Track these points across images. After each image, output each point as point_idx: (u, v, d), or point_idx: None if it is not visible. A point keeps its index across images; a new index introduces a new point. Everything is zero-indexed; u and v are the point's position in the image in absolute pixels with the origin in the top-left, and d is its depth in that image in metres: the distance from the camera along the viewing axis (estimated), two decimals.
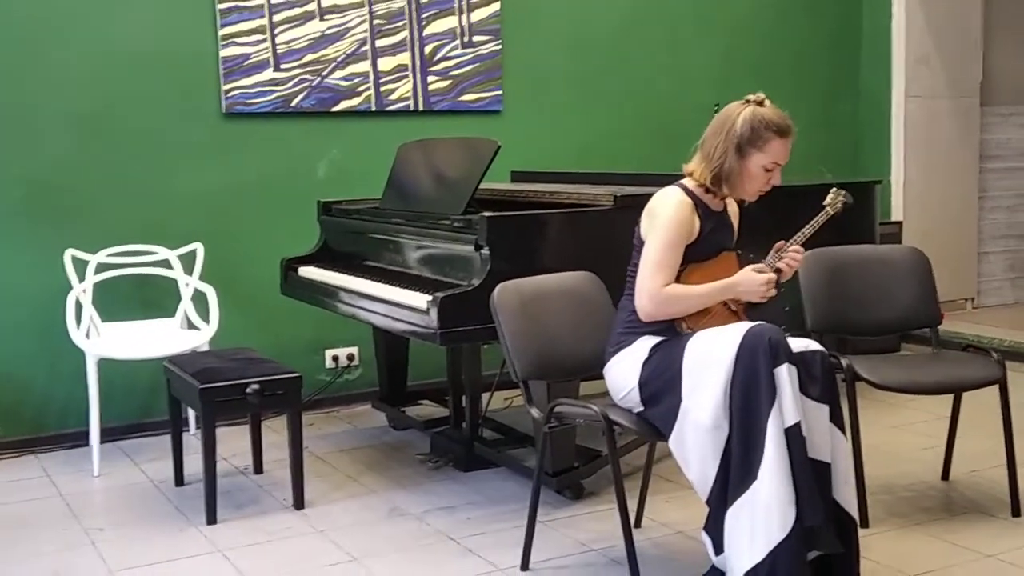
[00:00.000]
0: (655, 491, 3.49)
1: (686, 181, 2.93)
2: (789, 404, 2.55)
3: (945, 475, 3.74)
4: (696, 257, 2.87)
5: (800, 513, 2.53)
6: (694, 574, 2.87)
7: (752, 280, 2.84)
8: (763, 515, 2.53)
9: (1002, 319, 6.22)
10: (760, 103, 2.86)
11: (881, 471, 3.81)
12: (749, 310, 2.93)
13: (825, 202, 3.01)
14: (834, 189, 3.04)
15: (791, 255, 2.91)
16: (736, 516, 2.58)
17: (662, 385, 2.74)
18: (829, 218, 2.99)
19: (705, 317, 2.84)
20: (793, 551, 2.52)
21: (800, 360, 2.65)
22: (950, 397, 3.61)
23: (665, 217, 2.83)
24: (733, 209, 3.03)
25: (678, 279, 2.84)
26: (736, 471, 2.58)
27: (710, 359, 2.64)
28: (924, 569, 2.98)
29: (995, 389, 3.31)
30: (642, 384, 2.80)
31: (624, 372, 2.86)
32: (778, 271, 2.91)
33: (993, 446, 3.72)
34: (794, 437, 2.55)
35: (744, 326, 2.64)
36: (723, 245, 2.94)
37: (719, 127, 2.86)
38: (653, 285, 2.80)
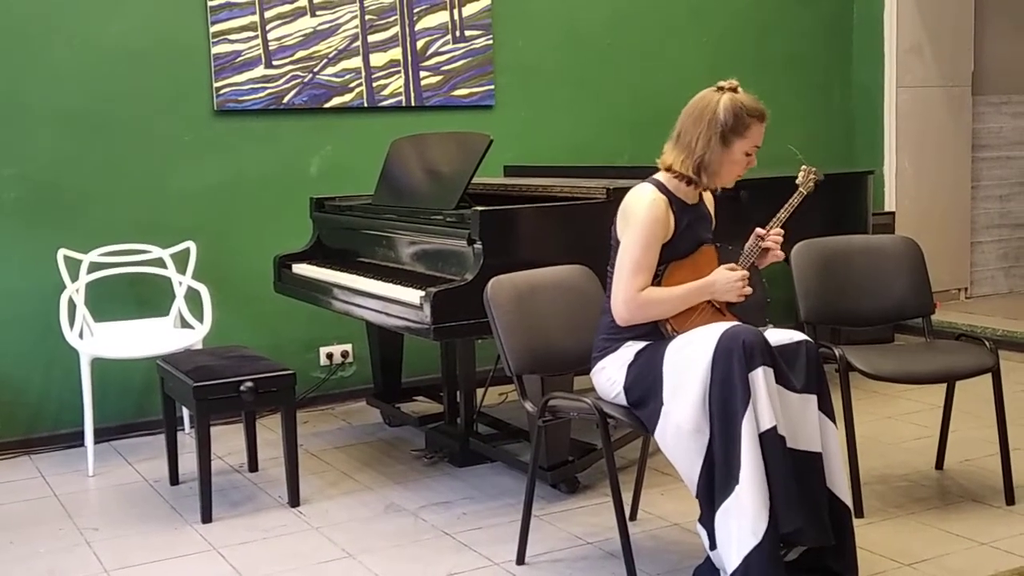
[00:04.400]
0: (650, 484, 3.49)
1: (660, 176, 2.90)
2: (764, 408, 2.54)
3: (939, 464, 3.75)
4: (675, 255, 2.85)
5: (774, 518, 2.52)
6: (689, 566, 2.87)
7: (727, 278, 2.81)
8: (740, 520, 2.53)
9: (995, 308, 6.24)
10: (734, 89, 2.85)
11: (875, 461, 3.82)
12: (732, 305, 2.91)
13: (797, 181, 3.01)
14: (803, 168, 3.04)
15: (772, 237, 2.90)
16: (723, 519, 2.58)
17: (646, 389, 2.73)
18: (803, 198, 2.99)
19: (691, 317, 2.82)
20: (766, 557, 2.51)
21: (784, 352, 2.65)
22: (943, 387, 3.62)
23: (639, 217, 2.79)
24: (709, 200, 3.02)
25: (660, 278, 2.83)
26: (720, 474, 2.58)
27: (688, 363, 2.63)
28: (919, 558, 2.99)
29: (988, 378, 3.32)
30: (627, 388, 2.80)
31: (610, 376, 2.86)
32: (765, 251, 2.91)
33: (986, 435, 3.74)
34: (769, 441, 2.54)
35: (720, 329, 2.62)
36: (701, 239, 2.92)
37: (697, 117, 2.81)
38: (629, 290, 2.78)
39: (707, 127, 2.79)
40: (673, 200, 2.85)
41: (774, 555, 2.53)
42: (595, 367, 2.92)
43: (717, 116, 2.78)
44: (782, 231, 2.93)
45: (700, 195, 2.96)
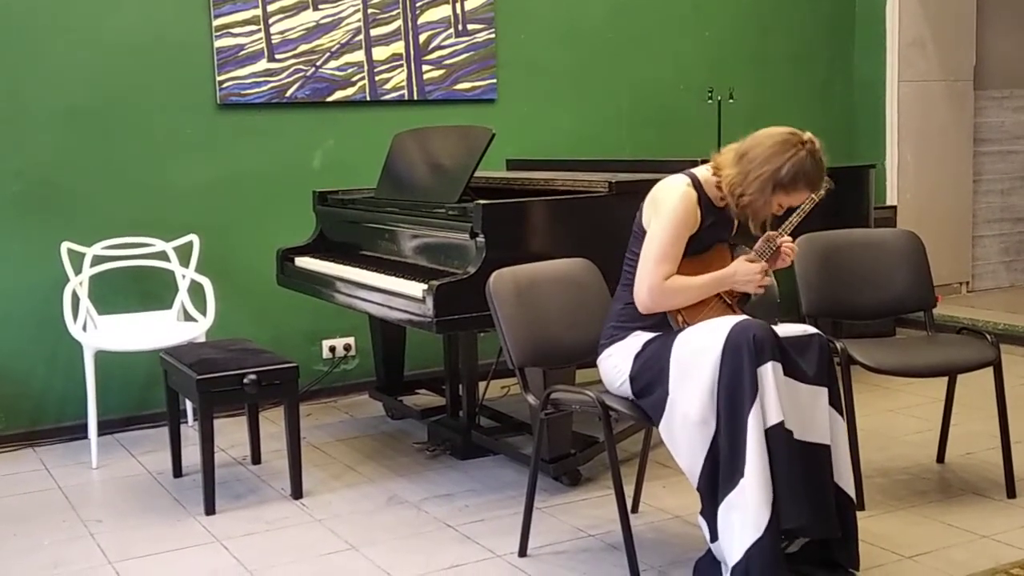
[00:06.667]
0: (652, 476, 3.50)
1: (700, 170, 2.89)
2: (772, 403, 2.55)
3: (940, 457, 3.76)
4: (691, 250, 2.85)
5: (779, 513, 2.53)
6: (691, 558, 2.88)
7: (747, 270, 2.84)
8: (744, 514, 2.54)
9: (996, 302, 6.24)
10: (812, 152, 2.75)
11: (877, 454, 3.83)
12: (743, 303, 2.91)
13: None
14: None
15: (785, 249, 2.91)
16: (726, 512, 2.59)
17: (652, 378, 2.74)
18: (815, 205, 2.97)
19: (702, 311, 2.83)
20: (767, 551, 2.52)
21: (795, 344, 2.65)
22: (944, 380, 3.63)
23: (671, 208, 2.80)
24: None
25: None
26: (725, 467, 2.59)
27: (698, 354, 2.64)
28: (920, 550, 3.00)
29: (989, 371, 3.33)
30: (633, 377, 2.81)
31: (617, 365, 2.87)
32: (775, 253, 2.91)
33: (987, 428, 3.74)
34: (776, 437, 2.55)
35: (731, 321, 2.63)
36: (719, 239, 2.92)
37: (768, 157, 2.73)
38: (655, 278, 2.79)
39: (769, 173, 2.73)
40: (703, 198, 2.85)
41: (775, 549, 2.54)
42: (602, 354, 2.94)
43: (780, 170, 2.72)
44: (790, 239, 2.93)
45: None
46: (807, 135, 2.78)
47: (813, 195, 2.96)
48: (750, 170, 2.75)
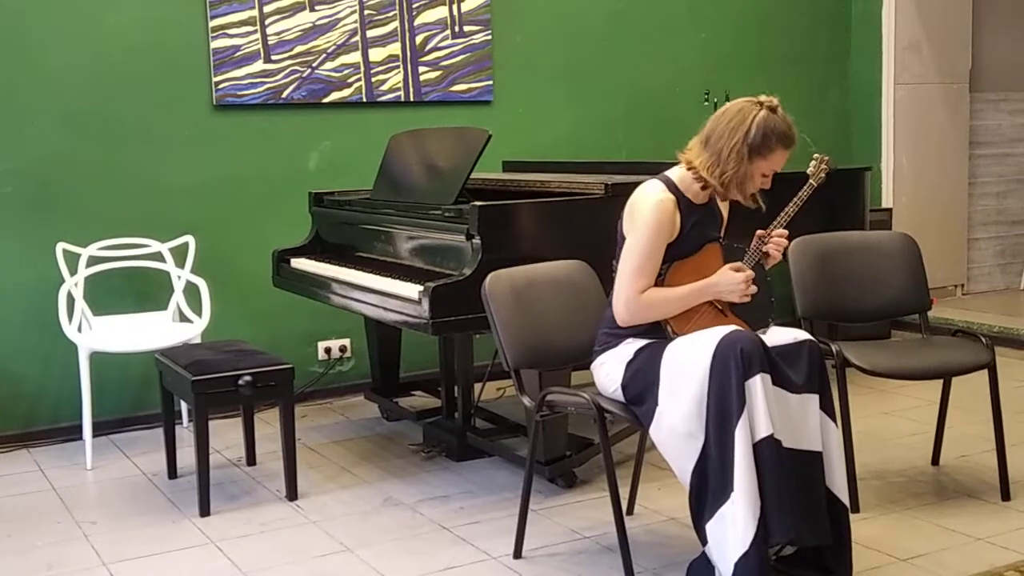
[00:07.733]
0: (647, 479, 3.50)
1: (674, 172, 2.88)
2: (761, 416, 2.54)
3: (935, 460, 3.76)
4: (679, 254, 2.83)
5: (764, 528, 2.52)
6: (686, 560, 2.88)
7: (730, 280, 2.79)
8: (733, 528, 2.54)
9: (991, 305, 6.25)
10: (773, 109, 2.76)
11: (871, 456, 3.83)
12: (735, 305, 2.87)
13: (808, 171, 2.93)
14: (815, 156, 2.95)
15: (775, 240, 2.88)
16: (718, 525, 2.58)
17: (643, 387, 2.74)
18: (813, 191, 2.91)
19: (692, 319, 2.81)
20: (752, 565, 2.52)
21: (784, 352, 2.64)
22: (940, 382, 3.63)
23: (644, 219, 2.78)
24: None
25: (663, 277, 2.81)
26: (715, 481, 2.58)
27: (684, 367, 2.63)
28: (915, 553, 3.00)
29: (984, 374, 3.33)
30: (625, 386, 2.80)
31: (609, 373, 2.87)
32: (765, 255, 2.89)
33: (982, 431, 3.75)
34: (765, 450, 2.54)
35: (717, 335, 2.61)
36: (708, 238, 2.88)
37: (732, 128, 2.74)
38: (631, 292, 2.78)
39: (741, 142, 2.73)
40: (681, 200, 2.83)
41: (762, 562, 2.54)
42: (595, 361, 2.93)
43: (748, 132, 2.73)
44: (786, 232, 2.89)
45: (711, 195, 2.91)
46: (763, 97, 2.77)
47: (812, 180, 2.92)
48: (721, 147, 2.75)
